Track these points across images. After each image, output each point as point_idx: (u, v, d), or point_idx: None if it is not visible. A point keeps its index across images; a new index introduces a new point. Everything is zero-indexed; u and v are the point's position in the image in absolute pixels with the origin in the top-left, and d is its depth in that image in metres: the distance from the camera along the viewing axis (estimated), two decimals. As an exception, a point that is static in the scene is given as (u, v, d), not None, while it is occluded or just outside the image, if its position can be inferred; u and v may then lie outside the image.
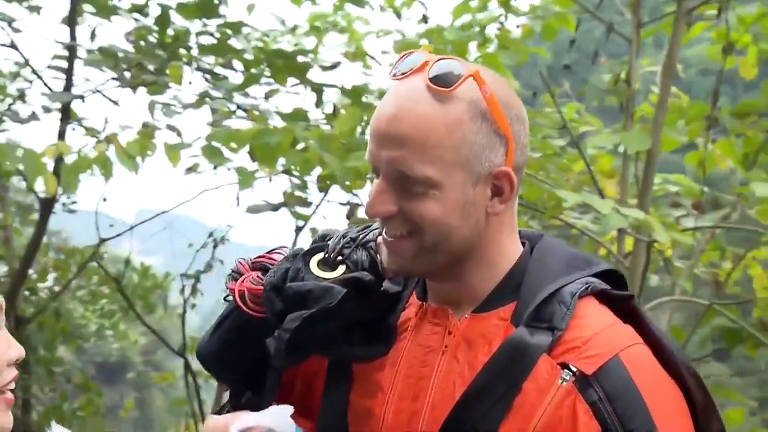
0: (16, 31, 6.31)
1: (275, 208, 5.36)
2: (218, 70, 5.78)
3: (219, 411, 1.94)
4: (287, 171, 5.35)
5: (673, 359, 1.68)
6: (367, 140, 5.12)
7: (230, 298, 1.87)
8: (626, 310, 1.72)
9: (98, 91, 5.74)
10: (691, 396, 1.68)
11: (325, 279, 1.77)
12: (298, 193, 5.65)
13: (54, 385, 8.04)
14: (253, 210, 5.18)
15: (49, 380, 7.92)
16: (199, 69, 5.70)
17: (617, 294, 1.73)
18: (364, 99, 5.39)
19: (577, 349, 1.62)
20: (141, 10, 5.98)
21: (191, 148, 5.20)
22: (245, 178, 4.59)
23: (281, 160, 5.01)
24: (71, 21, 6.15)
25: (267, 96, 5.84)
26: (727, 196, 5.25)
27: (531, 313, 1.65)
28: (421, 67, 1.66)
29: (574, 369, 1.60)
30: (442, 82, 1.62)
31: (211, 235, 6.13)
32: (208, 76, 5.68)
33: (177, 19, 5.93)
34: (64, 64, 6.36)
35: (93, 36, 6.12)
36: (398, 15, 5.74)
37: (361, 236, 1.85)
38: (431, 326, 1.76)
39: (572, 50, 5.39)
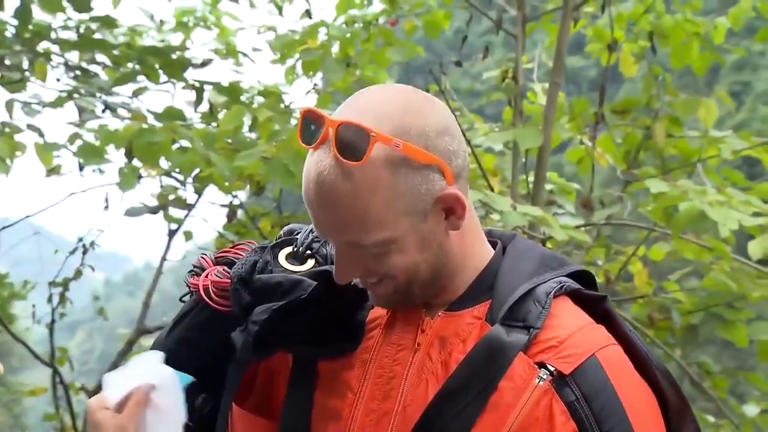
0: None
1: (154, 210, 5.12)
2: (86, 67, 5.47)
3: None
4: (167, 172, 5.11)
5: (647, 360, 1.66)
6: (252, 138, 4.83)
7: (186, 299, 1.84)
8: (598, 310, 1.69)
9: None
10: (664, 398, 1.66)
11: (294, 272, 1.74)
12: (174, 195, 5.42)
13: None
14: (132, 213, 4.92)
15: None
16: (67, 65, 5.39)
17: (591, 294, 1.70)
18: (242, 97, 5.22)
19: (554, 348, 1.59)
20: (-3, 3, 5.61)
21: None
22: (126, 179, 4.33)
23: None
24: None
25: (135, 94, 5.57)
26: (610, 192, 5.28)
27: (506, 311, 1.61)
28: (324, 137, 1.57)
29: (552, 368, 1.57)
30: (351, 156, 1.54)
31: (80, 240, 5.85)
32: (78, 73, 5.36)
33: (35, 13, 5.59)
34: None
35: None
36: (279, 10, 5.58)
37: None
38: (403, 324, 1.71)
39: (451, 46, 5.34)
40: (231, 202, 5.46)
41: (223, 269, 1.80)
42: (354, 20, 5.37)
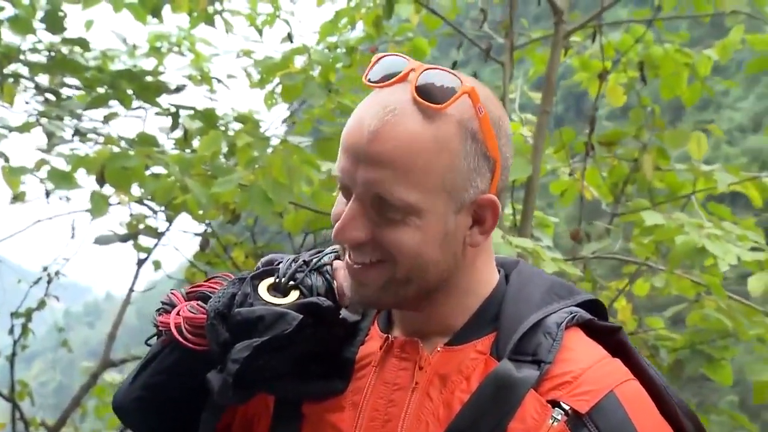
0: None
1: (124, 239, 4.92)
2: (57, 89, 5.28)
3: None
4: (139, 199, 4.92)
5: (666, 397, 1.53)
6: (227, 166, 4.61)
7: (152, 341, 1.68)
8: (612, 342, 1.56)
9: None
10: None
11: (277, 305, 1.56)
12: (143, 224, 5.23)
13: None
14: (101, 241, 4.71)
15: None
16: (36, 88, 5.19)
17: (605, 325, 1.57)
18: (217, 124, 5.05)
19: (568, 384, 1.45)
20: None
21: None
22: (97, 205, 4.12)
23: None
24: None
25: (107, 119, 5.39)
26: (597, 225, 5.15)
27: (514, 345, 1.47)
28: (406, 75, 1.45)
29: (566, 407, 1.43)
30: (433, 97, 1.42)
31: (45, 269, 5.64)
32: (50, 97, 5.17)
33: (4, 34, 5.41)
34: None
35: None
36: (260, 33, 5.44)
37: (314, 260, 1.65)
38: (398, 361, 1.56)
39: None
40: (205, 231, 5.27)
41: (197, 304, 1.63)
42: (336, 45, 5.26)
